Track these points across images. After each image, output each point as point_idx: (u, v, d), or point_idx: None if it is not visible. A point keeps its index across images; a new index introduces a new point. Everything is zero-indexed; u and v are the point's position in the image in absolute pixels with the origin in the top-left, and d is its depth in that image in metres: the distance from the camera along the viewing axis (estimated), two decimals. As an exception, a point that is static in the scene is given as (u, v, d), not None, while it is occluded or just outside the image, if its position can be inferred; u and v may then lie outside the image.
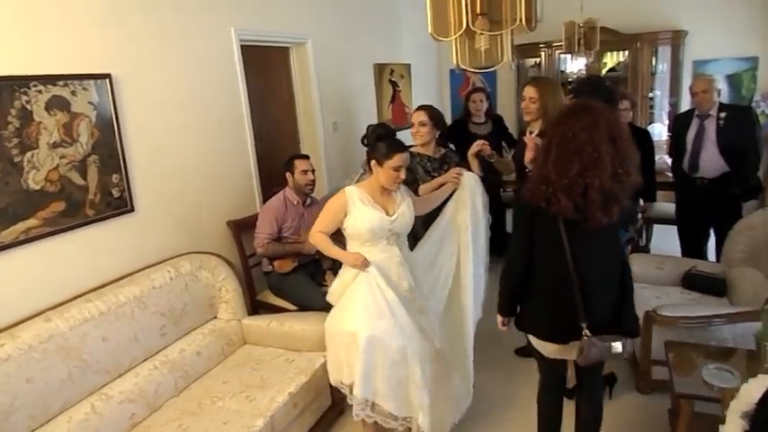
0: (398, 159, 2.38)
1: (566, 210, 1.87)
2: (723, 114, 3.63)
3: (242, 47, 3.52)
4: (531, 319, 2.13)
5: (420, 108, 3.13)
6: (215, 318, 2.99)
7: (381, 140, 2.41)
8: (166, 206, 3.01)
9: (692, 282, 3.24)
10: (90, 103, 2.56)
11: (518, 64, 6.25)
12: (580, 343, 1.95)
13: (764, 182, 4.77)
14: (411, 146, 2.95)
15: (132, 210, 2.80)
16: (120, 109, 2.71)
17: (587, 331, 1.93)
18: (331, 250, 2.50)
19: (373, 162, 2.44)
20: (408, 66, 5.73)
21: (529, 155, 2.70)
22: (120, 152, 2.71)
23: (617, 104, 3.05)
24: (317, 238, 2.51)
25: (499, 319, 2.25)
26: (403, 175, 2.44)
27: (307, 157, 3.47)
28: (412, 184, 2.88)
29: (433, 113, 3.08)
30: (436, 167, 3.06)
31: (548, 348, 2.13)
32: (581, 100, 2.39)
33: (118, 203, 2.72)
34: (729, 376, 2.27)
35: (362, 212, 2.42)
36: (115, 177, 2.70)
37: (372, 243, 2.45)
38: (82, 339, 2.30)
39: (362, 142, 2.51)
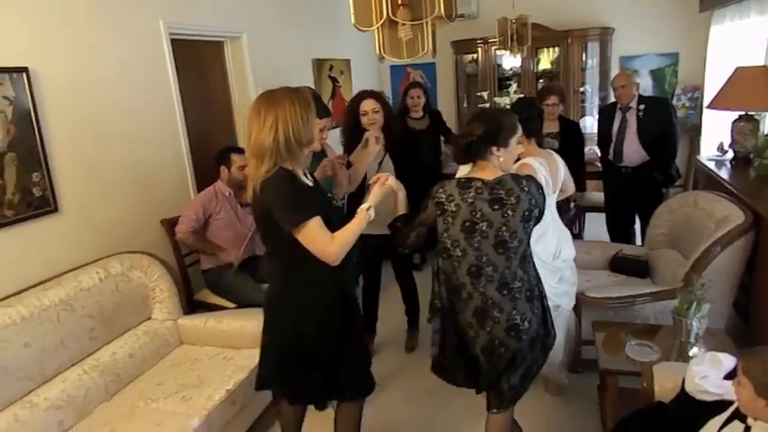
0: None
1: None
2: (642, 107, 3.85)
3: (172, 40, 3.43)
4: None
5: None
6: (149, 318, 2.90)
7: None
8: (95, 205, 2.90)
9: (618, 265, 3.39)
10: (5, 97, 2.43)
11: (456, 60, 6.37)
12: None
13: (684, 169, 5.08)
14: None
15: (56, 209, 2.68)
16: (40, 104, 2.59)
17: None
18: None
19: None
20: (348, 61, 5.73)
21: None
22: (40, 149, 2.58)
23: None
24: None
25: None
26: None
27: (243, 151, 3.42)
28: None
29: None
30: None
31: None
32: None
33: (40, 203, 2.60)
34: (650, 351, 2.41)
35: None
36: (36, 176, 2.57)
37: None
38: (2, 346, 2.19)
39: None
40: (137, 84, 3.18)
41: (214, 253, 3.26)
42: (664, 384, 2.04)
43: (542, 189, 2.07)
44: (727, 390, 1.75)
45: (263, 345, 2.12)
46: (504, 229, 1.95)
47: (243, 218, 3.41)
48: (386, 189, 2.05)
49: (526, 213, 1.97)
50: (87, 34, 2.86)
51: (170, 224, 3.29)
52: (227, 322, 2.90)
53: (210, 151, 3.51)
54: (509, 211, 1.94)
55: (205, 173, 3.61)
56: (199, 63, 3.95)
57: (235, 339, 2.84)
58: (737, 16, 4.42)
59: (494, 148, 2.01)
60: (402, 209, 2.14)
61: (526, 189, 1.97)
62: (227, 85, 4.17)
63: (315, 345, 2.00)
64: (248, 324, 2.84)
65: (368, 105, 3.12)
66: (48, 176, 2.63)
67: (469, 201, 1.95)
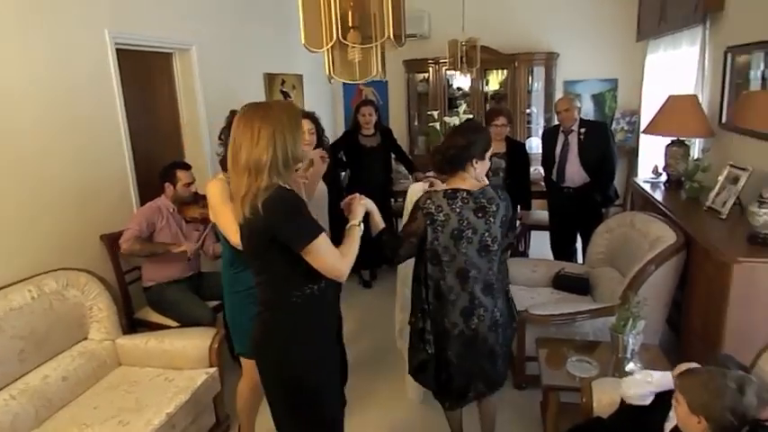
0: None
1: None
2: (583, 130, 4.03)
3: (118, 50, 3.33)
4: None
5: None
6: (85, 339, 2.77)
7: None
8: (29, 219, 2.76)
9: (560, 282, 3.51)
10: (-69, 105, 2.30)
11: (408, 78, 6.47)
12: None
13: (623, 190, 5.32)
14: None
15: (-15, 224, 2.54)
16: (-30, 113, 2.46)
17: None
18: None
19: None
20: (300, 76, 5.72)
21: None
22: (-31, 161, 2.45)
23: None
24: None
25: None
26: None
27: (189, 168, 3.35)
28: None
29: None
30: None
31: None
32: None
33: (-33, 217, 2.46)
34: (589, 367, 2.49)
35: None
36: (-37, 188, 2.44)
37: None
38: None
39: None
40: (79, 94, 3.06)
41: (167, 251, 3.12)
42: (601, 399, 2.11)
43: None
44: (654, 380, 1.85)
45: (268, 401, 1.97)
46: (486, 234, 2.17)
47: (188, 234, 3.32)
48: (362, 207, 2.06)
49: (504, 219, 2.20)
50: (25, 40, 2.74)
51: (110, 240, 3.17)
52: (169, 342, 2.80)
53: (157, 166, 3.40)
54: (491, 218, 2.16)
55: (150, 188, 3.50)
56: (146, 75, 3.85)
57: (177, 360, 2.75)
58: (671, 46, 4.70)
59: (474, 160, 2.20)
60: (381, 224, 2.23)
61: (502, 197, 2.22)
62: (174, 98, 4.08)
63: (316, 369, 1.89)
64: (191, 344, 2.77)
65: (303, 126, 3.08)
66: (-23, 189, 2.49)
67: (457, 210, 2.14)
